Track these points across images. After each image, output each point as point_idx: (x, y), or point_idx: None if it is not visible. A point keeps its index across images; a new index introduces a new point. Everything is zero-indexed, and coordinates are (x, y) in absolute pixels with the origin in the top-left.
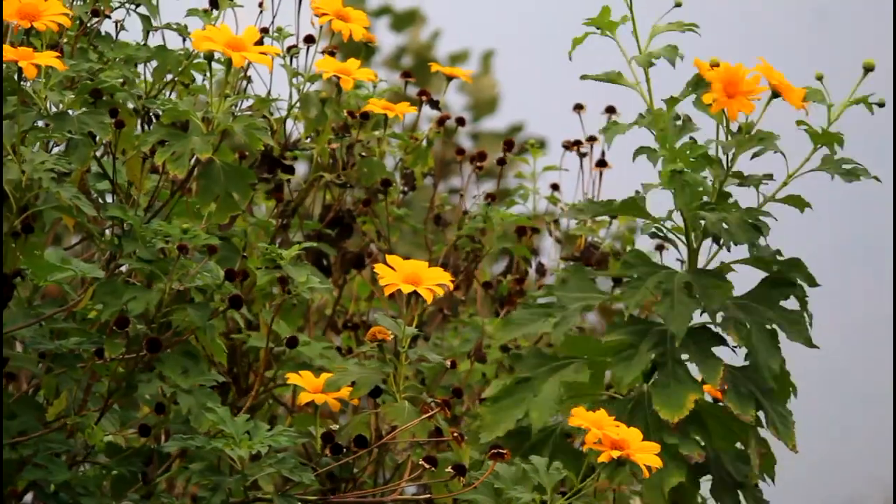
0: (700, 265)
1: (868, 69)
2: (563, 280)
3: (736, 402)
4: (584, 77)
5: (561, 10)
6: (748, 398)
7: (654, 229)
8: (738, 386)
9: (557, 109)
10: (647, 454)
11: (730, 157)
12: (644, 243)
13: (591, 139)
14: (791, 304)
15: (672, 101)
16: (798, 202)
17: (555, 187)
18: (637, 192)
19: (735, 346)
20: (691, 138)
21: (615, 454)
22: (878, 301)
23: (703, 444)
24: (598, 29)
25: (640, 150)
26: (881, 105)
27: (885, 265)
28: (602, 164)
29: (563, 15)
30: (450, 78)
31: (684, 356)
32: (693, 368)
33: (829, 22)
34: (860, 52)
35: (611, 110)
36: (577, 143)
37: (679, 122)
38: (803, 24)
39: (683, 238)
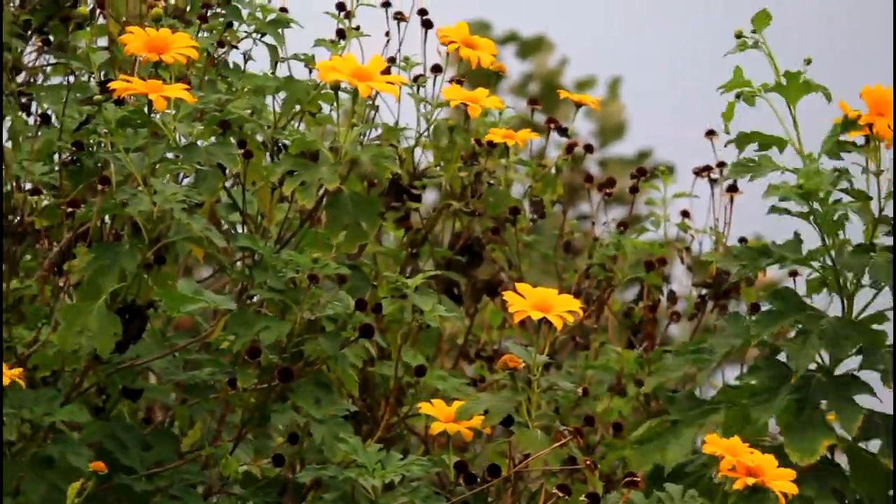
0: (856, 311)
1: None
2: (721, 328)
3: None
4: (731, 141)
5: (687, 36)
6: None
7: (817, 283)
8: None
9: (685, 135)
10: (782, 481)
11: (881, 203)
12: (777, 272)
13: (721, 165)
14: None
15: (825, 147)
16: None
17: (685, 214)
18: (795, 233)
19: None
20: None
21: (750, 481)
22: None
23: (843, 491)
24: (737, 97)
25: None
26: None
27: None
28: (733, 189)
29: (689, 40)
30: (578, 105)
31: (823, 402)
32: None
33: (828, 22)
34: (859, 54)
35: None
36: (708, 168)
37: (836, 174)
38: (801, 25)
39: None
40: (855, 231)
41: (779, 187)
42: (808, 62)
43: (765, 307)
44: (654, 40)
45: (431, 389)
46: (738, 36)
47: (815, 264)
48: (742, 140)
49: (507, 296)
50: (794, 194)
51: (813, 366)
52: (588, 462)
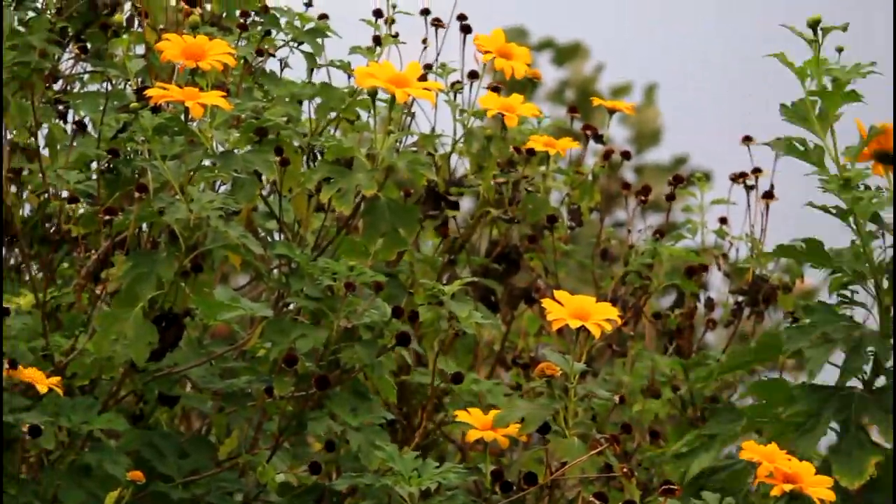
0: None
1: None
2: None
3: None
4: (784, 107)
5: (722, 43)
6: None
7: (840, 293)
8: None
9: (720, 141)
10: (820, 488)
11: None
12: (815, 276)
13: (757, 171)
14: None
15: (851, 156)
16: None
17: (723, 221)
18: (812, 238)
19: None
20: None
21: (787, 487)
22: None
23: None
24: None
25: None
26: None
27: None
28: (769, 195)
29: (725, 47)
30: (612, 111)
31: (866, 419)
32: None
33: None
34: (859, 54)
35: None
36: (744, 175)
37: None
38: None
39: (872, 290)
40: None
41: (827, 180)
42: (824, 29)
43: (799, 321)
44: (688, 47)
45: (468, 396)
46: (811, 24)
47: (847, 268)
48: (785, 108)
49: (546, 304)
50: (836, 185)
51: (856, 382)
52: (625, 469)
